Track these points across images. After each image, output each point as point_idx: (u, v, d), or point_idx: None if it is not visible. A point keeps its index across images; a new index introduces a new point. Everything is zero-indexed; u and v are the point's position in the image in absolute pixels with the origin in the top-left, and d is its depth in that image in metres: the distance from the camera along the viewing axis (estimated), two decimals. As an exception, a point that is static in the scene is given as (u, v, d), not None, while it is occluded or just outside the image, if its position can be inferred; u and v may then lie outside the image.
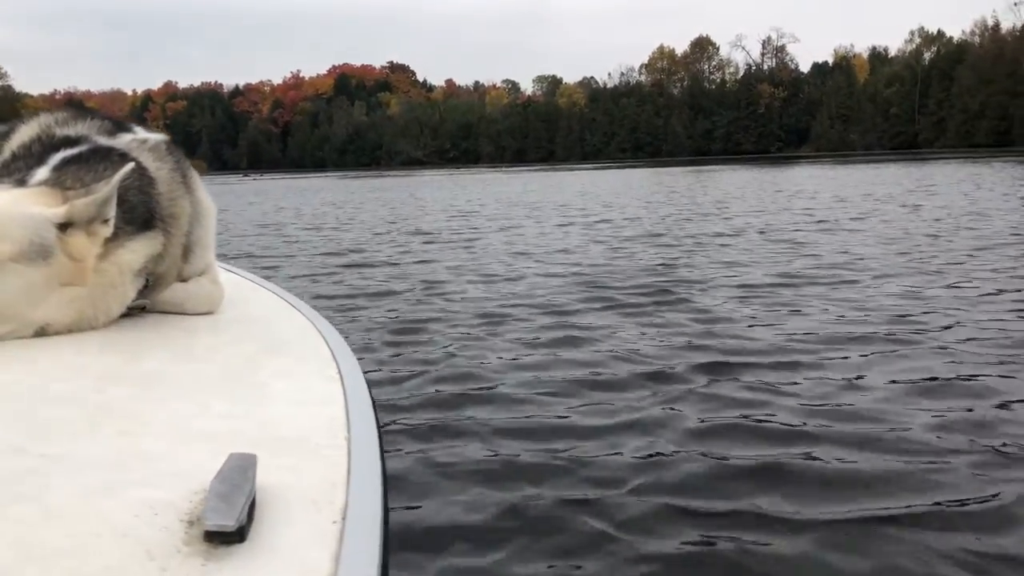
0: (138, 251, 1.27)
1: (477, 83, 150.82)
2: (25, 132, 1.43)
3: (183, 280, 1.43)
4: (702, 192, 22.48)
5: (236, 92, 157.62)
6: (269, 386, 1.00)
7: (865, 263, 7.51)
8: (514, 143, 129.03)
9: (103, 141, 1.37)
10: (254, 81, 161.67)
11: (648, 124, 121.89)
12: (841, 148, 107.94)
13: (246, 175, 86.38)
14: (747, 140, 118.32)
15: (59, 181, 1.25)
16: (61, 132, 1.38)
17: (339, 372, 1.04)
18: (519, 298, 6.21)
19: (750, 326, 4.99)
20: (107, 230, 1.21)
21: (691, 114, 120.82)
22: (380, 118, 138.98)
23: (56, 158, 1.29)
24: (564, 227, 12.77)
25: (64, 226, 1.18)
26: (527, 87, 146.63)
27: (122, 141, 1.40)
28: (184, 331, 1.31)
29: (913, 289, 6.06)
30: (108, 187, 1.19)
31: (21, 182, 1.25)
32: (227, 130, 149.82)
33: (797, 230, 10.90)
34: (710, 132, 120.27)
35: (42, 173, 1.26)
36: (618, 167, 69.08)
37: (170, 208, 1.35)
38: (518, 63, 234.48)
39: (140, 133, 1.47)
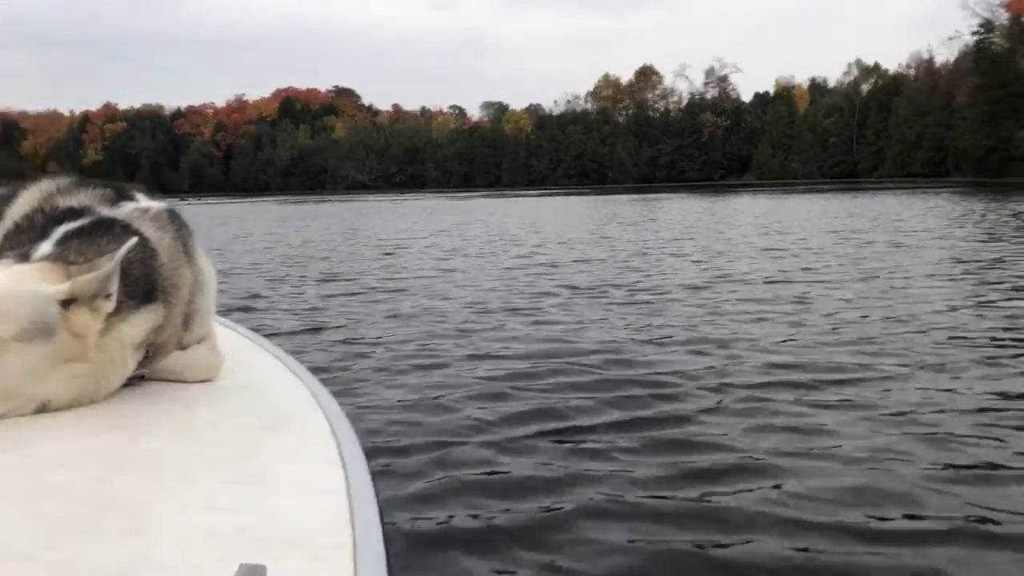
0: (139, 324, 1.28)
1: (423, 108, 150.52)
2: (26, 200, 1.42)
3: (182, 348, 1.43)
4: (653, 232, 22.07)
5: (178, 114, 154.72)
6: (271, 471, 1.00)
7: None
8: (461, 168, 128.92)
9: (105, 212, 1.36)
10: (196, 103, 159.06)
11: (594, 151, 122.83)
12: (783, 176, 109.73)
13: (183, 199, 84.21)
14: (691, 168, 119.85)
15: (62, 256, 1.25)
16: (64, 202, 1.38)
17: (340, 453, 1.04)
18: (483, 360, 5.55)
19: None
20: (110, 305, 1.22)
21: (636, 142, 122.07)
22: (325, 142, 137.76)
23: (59, 231, 1.29)
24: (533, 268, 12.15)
25: (67, 302, 1.18)
26: (474, 113, 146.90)
27: (124, 211, 1.39)
28: (183, 404, 1.30)
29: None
30: (111, 263, 1.20)
31: (24, 256, 1.25)
32: (168, 153, 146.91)
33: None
34: (655, 160, 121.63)
35: (45, 247, 1.27)
36: (564, 194, 69.12)
37: (172, 279, 1.36)
38: (464, 89, 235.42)
39: (142, 201, 1.45)
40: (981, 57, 75.38)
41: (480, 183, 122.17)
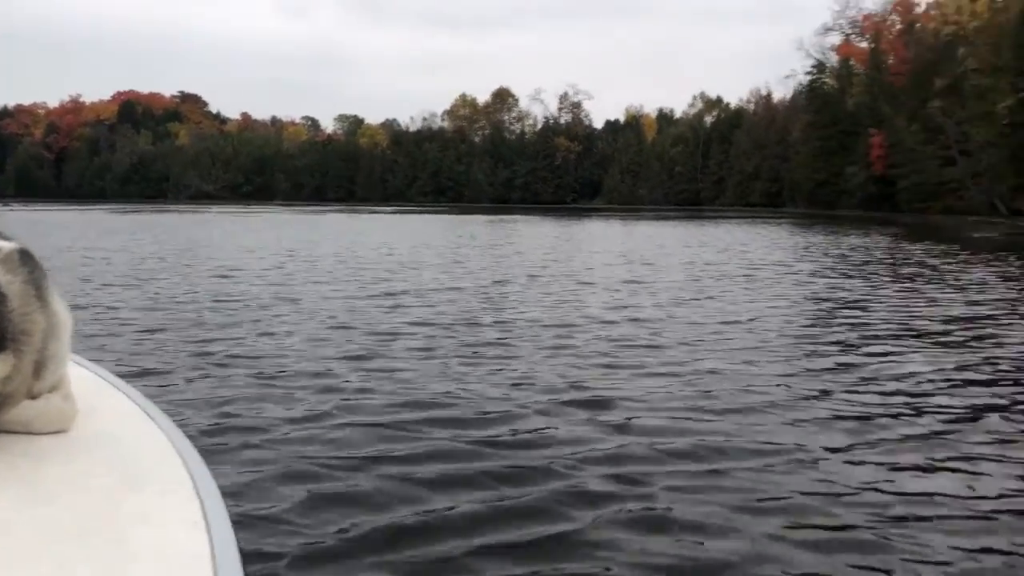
0: None
1: (274, 118, 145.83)
2: None
3: (33, 397, 1.32)
4: (514, 254, 21.59)
5: (4, 113, 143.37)
6: (130, 537, 0.95)
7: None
8: (312, 181, 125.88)
9: None
10: (26, 103, 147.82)
11: (450, 170, 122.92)
12: (631, 202, 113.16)
13: (5, 204, 77.57)
14: (545, 190, 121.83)
15: None
16: None
17: (203, 513, 1.00)
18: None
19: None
20: None
21: (492, 162, 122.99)
22: (168, 148, 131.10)
23: None
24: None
25: None
26: (328, 125, 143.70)
27: None
28: (33, 459, 1.20)
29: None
30: None
31: None
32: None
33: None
34: (510, 181, 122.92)
35: None
36: (420, 211, 68.36)
37: (22, 325, 1.25)
38: (318, 101, 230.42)
39: None
40: (814, 96, 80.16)
41: (333, 197, 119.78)
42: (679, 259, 16.71)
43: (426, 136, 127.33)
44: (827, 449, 4.20)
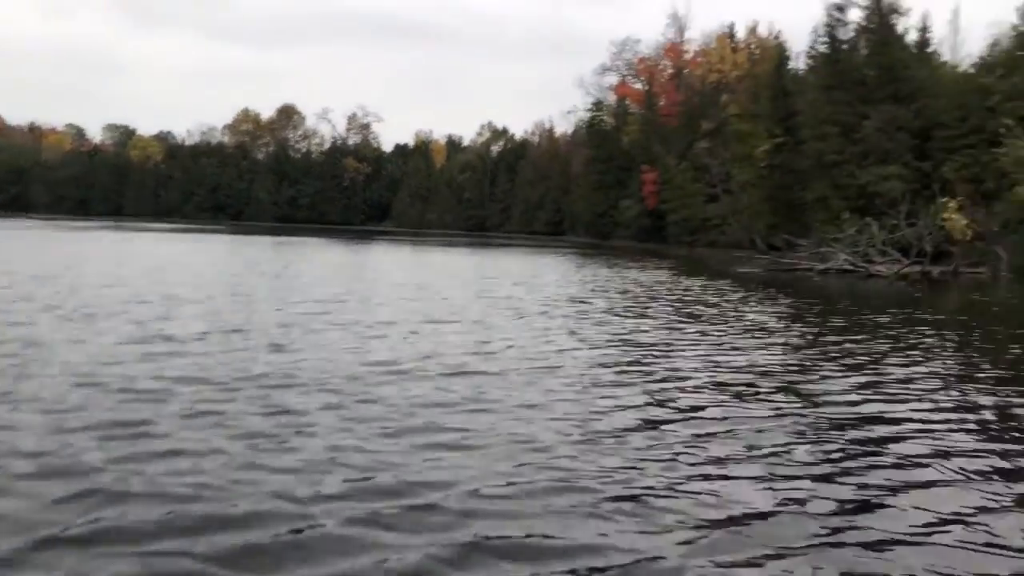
0: None
1: (33, 124, 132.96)
2: None
3: None
4: (299, 286, 20.40)
5: None
6: None
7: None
8: (76, 193, 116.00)
9: None
10: None
11: (230, 187, 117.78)
12: (420, 225, 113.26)
13: None
14: (333, 211, 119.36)
15: None
16: None
17: None
18: None
19: None
20: None
21: (276, 180, 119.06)
22: None
23: None
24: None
25: None
26: (95, 135, 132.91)
27: None
28: None
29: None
30: None
31: None
32: None
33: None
34: (295, 200, 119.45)
35: None
36: (198, 229, 64.40)
37: None
38: (84, 108, 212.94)
39: None
40: (593, 132, 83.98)
41: (99, 211, 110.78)
42: (476, 291, 16.50)
43: (204, 151, 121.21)
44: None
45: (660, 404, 6.85)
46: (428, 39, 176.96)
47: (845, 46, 40.98)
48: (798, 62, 54.36)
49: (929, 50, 40.49)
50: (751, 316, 13.19)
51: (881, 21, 39.50)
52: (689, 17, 78.60)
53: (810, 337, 11.23)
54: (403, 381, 7.32)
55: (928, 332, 12.19)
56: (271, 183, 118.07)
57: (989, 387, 8.17)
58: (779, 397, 7.29)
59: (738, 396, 7.29)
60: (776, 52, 58.56)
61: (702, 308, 14.09)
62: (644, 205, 67.96)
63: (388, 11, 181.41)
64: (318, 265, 25.38)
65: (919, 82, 37.50)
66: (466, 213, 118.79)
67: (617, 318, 12.36)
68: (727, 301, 15.27)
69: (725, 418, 6.40)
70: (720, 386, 7.71)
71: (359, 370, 7.76)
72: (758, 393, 7.42)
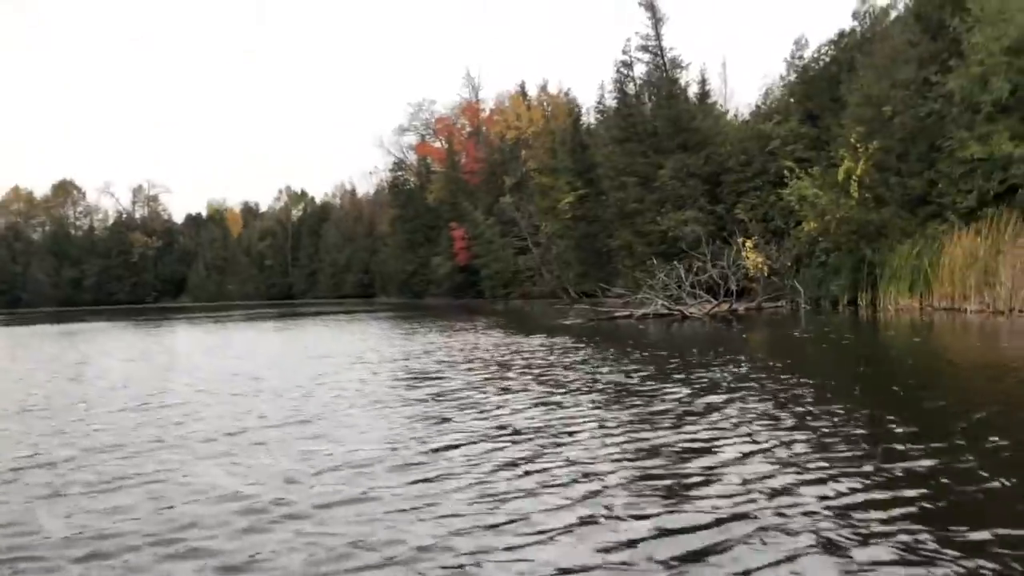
0: None
1: None
2: None
3: None
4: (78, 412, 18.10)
5: None
6: None
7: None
8: None
9: None
10: None
11: (4, 271, 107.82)
12: (219, 298, 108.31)
13: None
14: (121, 290, 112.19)
15: None
16: None
17: None
18: None
19: None
20: None
21: (56, 261, 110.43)
22: None
23: None
24: None
25: None
26: None
27: None
28: None
29: None
30: None
31: None
32: None
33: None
34: (79, 281, 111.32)
35: None
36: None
37: None
38: None
39: None
40: (397, 192, 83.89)
41: None
42: (307, 377, 15.09)
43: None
44: None
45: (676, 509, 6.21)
46: (213, 105, 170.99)
47: (634, 100, 43.10)
48: (588, 116, 57.07)
49: (709, 101, 43.32)
50: (629, 379, 12.74)
51: (665, 76, 41.91)
52: (481, 78, 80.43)
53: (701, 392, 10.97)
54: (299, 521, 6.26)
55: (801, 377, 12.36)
56: (50, 265, 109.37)
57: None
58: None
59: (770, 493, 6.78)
60: (567, 108, 61.14)
61: (564, 373, 13.48)
62: (455, 261, 68.36)
63: (167, 75, 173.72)
64: (103, 356, 22.98)
65: (704, 131, 39.96)
66: (269, 281, 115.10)
67: (480, 395, 11.45)
68: (584, 362, 14.86)
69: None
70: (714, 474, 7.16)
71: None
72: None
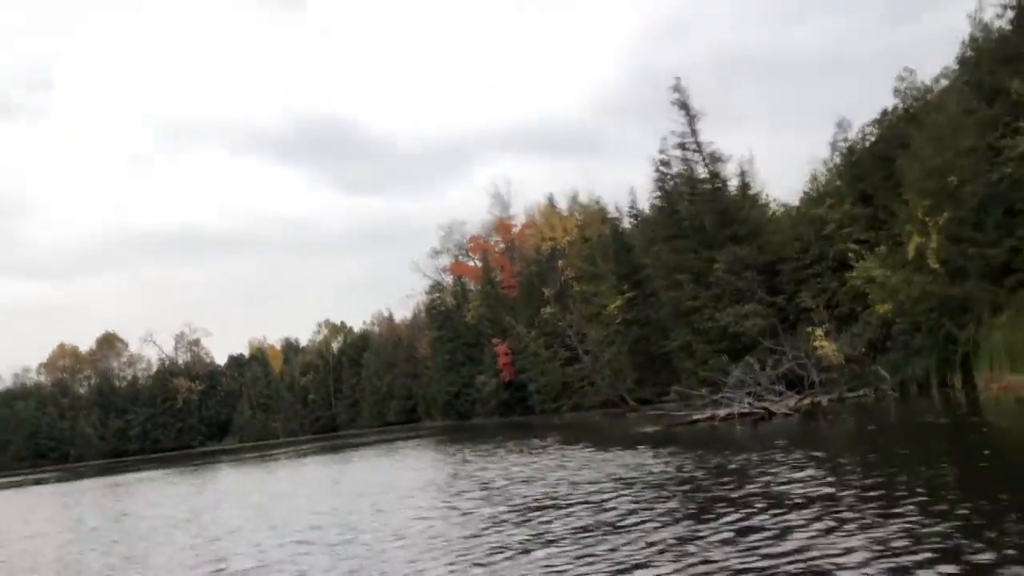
0: None
1: None
2: None
3: None
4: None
5: None
6: None
7: None
8: None
9: None
10: None
11: (51, 427, 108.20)
12: (265, 436, 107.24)
13: None
14: (166, 436, 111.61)
15: None
16: None
17: None
18: None
19: None
20: None
21: (102, 413, 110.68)
22: None
23: None
24: None
25: None
26: None
27: None
28: None
29: None
30: None
31: None
32: None
33: None
34: (125, 431, 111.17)
35: None
36: (15, 483, 56.94)
37: None
38: None
39: None
40: (435, 313, 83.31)
41: None
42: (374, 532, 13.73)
43: (19, 394, 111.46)
44: None
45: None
46: (244, 247, 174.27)
47: (678, 197, 42.47)
48: (622, 220, 56.54)
49: (751, 192, 42.56)
50: (800, 490, 10.98)
51: (707, 169, 41.36)
52: (509, 194, 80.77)
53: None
54: None
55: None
56: (96, 417, 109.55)
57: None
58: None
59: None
60: (601, 214, 60.78)
61: (725, 490, 11.81)
62: (500, 378, 66.97)
63: (194, 227, 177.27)
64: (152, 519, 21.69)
65: (752, 222, 39.02)
66: (313, 415, 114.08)
67: (684, 526, 9.47)
68: (727, 477, 13.19)
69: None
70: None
71: None
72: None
